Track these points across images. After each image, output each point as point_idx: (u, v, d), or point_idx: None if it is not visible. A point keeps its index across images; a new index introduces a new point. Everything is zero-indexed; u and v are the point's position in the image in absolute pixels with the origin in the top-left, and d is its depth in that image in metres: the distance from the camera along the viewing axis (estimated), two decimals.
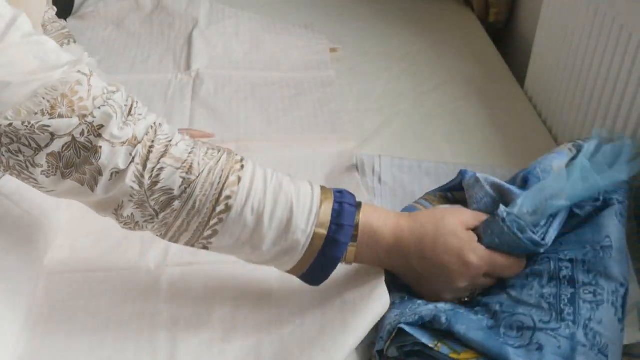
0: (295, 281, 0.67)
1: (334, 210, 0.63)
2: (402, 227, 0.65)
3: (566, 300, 0.63)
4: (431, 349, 0.61)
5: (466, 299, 0.68)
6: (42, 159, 0.55)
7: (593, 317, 0.61)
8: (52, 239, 0.74)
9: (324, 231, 0.62)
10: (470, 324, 0.62)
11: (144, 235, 0.77)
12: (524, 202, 0.65)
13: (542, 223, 0.66)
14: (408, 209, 0.75)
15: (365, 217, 0.64)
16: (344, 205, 0.63)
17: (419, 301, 0.66)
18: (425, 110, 1.09)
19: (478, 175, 0.71)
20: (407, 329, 0.62)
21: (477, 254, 0.64)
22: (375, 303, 0.65)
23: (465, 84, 1.16)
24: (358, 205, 0.65)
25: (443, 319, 0.61)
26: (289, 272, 0.65)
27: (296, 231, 0.61)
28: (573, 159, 0.74)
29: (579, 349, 0.59)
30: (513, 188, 0.69)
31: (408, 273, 0.67)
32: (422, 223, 0.65)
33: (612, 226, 0.67)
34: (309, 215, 0.62)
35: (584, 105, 0.93)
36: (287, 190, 0.62)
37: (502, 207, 0.65)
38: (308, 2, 1.46)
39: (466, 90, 1.15)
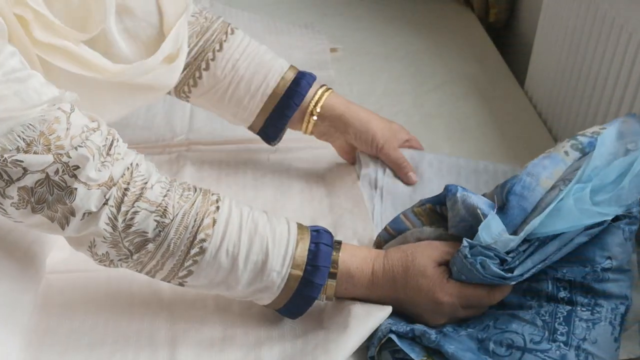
0: None
1: (310, 251, 0.63)
2: (376, 272, 0.66)
3: (561, 319, 0.62)
4: None
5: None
6: (13, 191, 0.55)
7: (588, 337, 0.61)
8: (54, 239, 0.74)
9: (299, 272, 0.63)
10: (459, 345, 0.61)
11: None
12: (482, 235, 0.63)
13: (522, 249, 0.63)
14: (396, 222, 0.73)
15: (343, 262, 0.65)
16: (320, 246, 0.64)
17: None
18: (425, 110, 1.09)
19: (458, 194, 0.68)
20: (396, 340, 0.62)
21: (447, 292, 0.64)
22: (378, 310, 0.65)
23: (465, 84, 1.16)
24: (337, 245, 0.66)
25: (433, 337, 0.61)
26: (266, 306, 0.66)
27: (271, 273, 0.62)
28: (581, 156, 0.70)
29: None
30: (487, 210, 0.65)
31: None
32: (393, 265, 0.66)
33: (616, 245, 0.64)
34: (285, 256, 0.62)
35: (584, 105, 0.93)
36: (262, 232, 0.62)
37: (464, 242, 0.63)
38: (308, 2, 1.46)
39: (466, 90, 1.15)
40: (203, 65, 0.83)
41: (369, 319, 0.64)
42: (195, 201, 0.61)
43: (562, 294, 0.63)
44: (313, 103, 0.85)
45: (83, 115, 0.59)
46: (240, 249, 0.61)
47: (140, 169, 0.60)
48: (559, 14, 1.01)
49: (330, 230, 0.75)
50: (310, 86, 0.85)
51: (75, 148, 0.55)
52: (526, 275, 0.63)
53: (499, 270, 0.61)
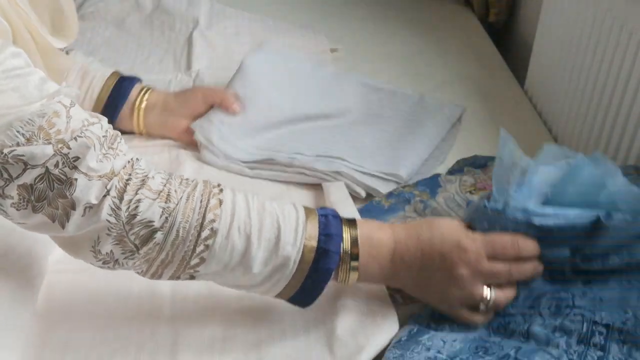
0: None
1: (320, 222, 0.63)
2: (398, 232, 0.65)
3: None
4: None
5: (483, 309, 0.64)
6: (12, 190, 0.54)
7: None
8: None
9: (313, 243, 0.61)
10: None
11: None
12: (503, 153, 0.67)
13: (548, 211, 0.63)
14: None
15: (362, 231, 0.64)
16: (329, 217, 0.63)
17: (424, 339, 0.63)
18: None
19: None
20: None
21: (471, 237, 0.64)
22: (385, 326, 0.65)
23: (465, 84, 1.16)
24: (351, 221, 0.65)
25: None
26: (280, 295, 0.63)
27: (286, 246, 0.60)
28: None
29: None
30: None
31: (412, 281, 0.66)
32: (416, 225, 0.66)
33: None
34: (297, 228, 0.61)
35: (584, 105, 0.93)
36: (270, 210, 0.61)
37: (484, 202, 0.65)
38: (308, 2, 1.46)
39: (466, 90, 1.15)
40: None
41: (378, 336, 0.64)
42: (197, 185, 0.60)
43: (596, 339, 0.59)
44: (139, 98, 0.95)
45: (84, 110, 0.58)
46: (252, 226, 0.59)
47: (141, 163, 0.60)
48: (559, 14, 1.01)
49: None
50: (133, 86, 0.95)
51: (75, 139, 0.55)
52: (552, 222, 0.62)
53: (526, 204, 0.63)
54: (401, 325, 0.68)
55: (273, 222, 0.61)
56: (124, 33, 1.28)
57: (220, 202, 0.60)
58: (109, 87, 0.94)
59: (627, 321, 0.59)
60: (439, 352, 0.61)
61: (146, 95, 0.96)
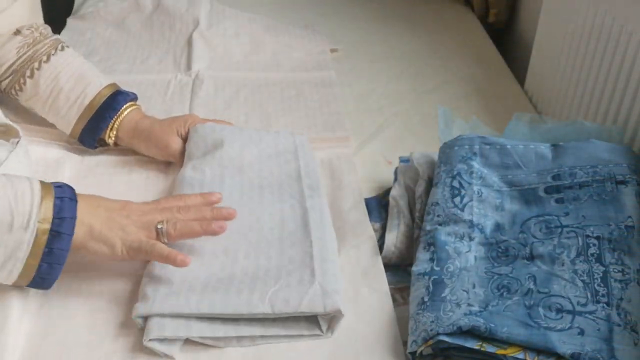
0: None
1: (55, 205, 0.63)
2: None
3: (599, 280, 0.65)
4: (477, 350, 0.61)
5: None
6: None
7: (623, 297, 0.63)
8: None
9: (47, 225, 0.63)
10: (509, 322, 0.62)
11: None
12: None
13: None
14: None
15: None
16: (64, 200, 0.64)
17: (448, 300, 0.65)
18: (425, 110, 1.09)
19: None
20: (448, 339, 0.61)
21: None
22: (385, 336, 0.66)
23: (465, 84, 1.16)
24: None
25: (482, 328, 0.61)
26: (17, 282, 0.64)
27: (19, 230, 0.61)
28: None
29: (615, 329, 0.61)
30: None
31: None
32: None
33: (633, 207, 0.69)
34: (30, 212, 0.62)
35: (584, 105, 0.93)
36: (2, 194, 0.62)
37: None
38: (308, 2, 1.46)
39: (466, 90, 1.15)
40: (28, 73, 0.90)
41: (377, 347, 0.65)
42: None
43: (592, 250, 0.67)
44: (119, 118, 0.90)
45: None
46: None
47: None
48: (559, 14, 1.01)
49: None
50: (127, 103, 0.91)
51: None
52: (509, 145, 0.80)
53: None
54: (401, 325, 0.68)
55: (5, 206, 0.61)
56: (124, 33, 1.27)
57: None
58: (102, 98, 0.90)
59: (613, 232, 0.68)
60: (469, 304, 0.64)
61: (122, 115, 0.90)
